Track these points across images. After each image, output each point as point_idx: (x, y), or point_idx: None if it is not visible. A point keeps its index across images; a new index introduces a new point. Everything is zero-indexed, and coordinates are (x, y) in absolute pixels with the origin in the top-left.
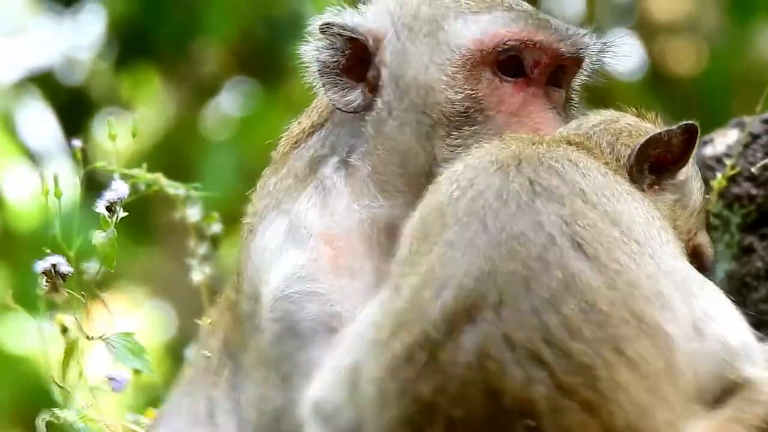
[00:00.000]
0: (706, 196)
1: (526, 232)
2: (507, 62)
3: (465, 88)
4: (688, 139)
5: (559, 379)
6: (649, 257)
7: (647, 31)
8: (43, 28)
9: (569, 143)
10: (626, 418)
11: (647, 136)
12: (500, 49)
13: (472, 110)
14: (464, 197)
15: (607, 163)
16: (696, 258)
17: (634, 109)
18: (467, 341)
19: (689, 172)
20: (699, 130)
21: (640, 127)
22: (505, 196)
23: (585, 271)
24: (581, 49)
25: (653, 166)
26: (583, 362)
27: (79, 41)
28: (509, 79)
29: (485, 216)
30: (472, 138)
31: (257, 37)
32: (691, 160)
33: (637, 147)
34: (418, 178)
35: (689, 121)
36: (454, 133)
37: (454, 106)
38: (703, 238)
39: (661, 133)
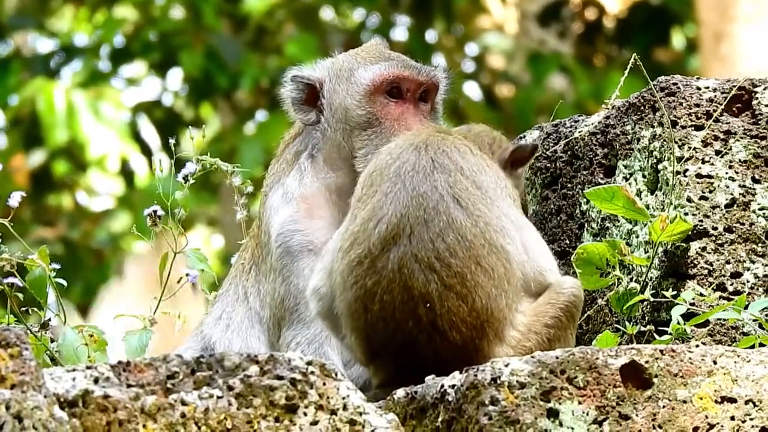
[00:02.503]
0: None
1: (427, 192)
2: (391, 90)
3: (366, 108)
4: (532, 151)
5: (444, 280)
6: (497, 207)
7: (486, 72)
8: (152, 79)
9: (461, 137)
10: (482, 302)
11: (516, 145)
12: (385, 83)
13: (372, 119)
14: (394, 164)
15: (482, 151)
16: (522, 209)
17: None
18: (392, 256)
19: (525, 169)
20: (538, 147)
21: (502, 138)
22: (417, 168)
23: (460, 216)
24: (432, 77)
25: (512, 162)
26: (458, 270)
27: (171, 85)
28: (393, 100)
29: (404, 179)
30: (373, 135)
31: (269, 84)
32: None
33: (510, 149)
34: (347, 160)
35: (535, 143)
36: (363, 133)
37: (361, 118)
38: (524, 200)
39: (522, 145)
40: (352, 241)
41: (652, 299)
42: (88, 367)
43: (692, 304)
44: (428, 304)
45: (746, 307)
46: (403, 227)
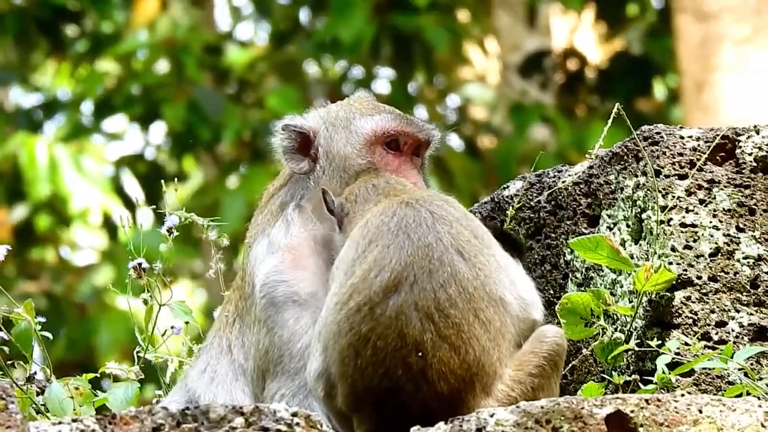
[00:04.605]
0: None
1: (433, 243)
2: (390, 142)
3: (366, 157)
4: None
5: (441, 330)
6: (493, 256)
7: (468, 123)
8: (134, 133)
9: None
10: (475, 355)
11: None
12: (386, 135)
13: (371, 169)
14: (391, 221)
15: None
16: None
17: None
18: (392, 303)
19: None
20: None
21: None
22: (418, 220)
23: (462, 267)
24: (430, 136)
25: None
26: (456, 321)
27: (154, 139)
28: (391, 151)
29: (408, 231)
30: None
31: (252, 137)
32: None
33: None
34: None
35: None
36: None
37: (361, 167)
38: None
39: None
40: (351, 293)
41: (637, 349)
42: (73, 420)
43: (677, 354)
44: (420, 353)
45: (732, 356)
46: (406, 276)
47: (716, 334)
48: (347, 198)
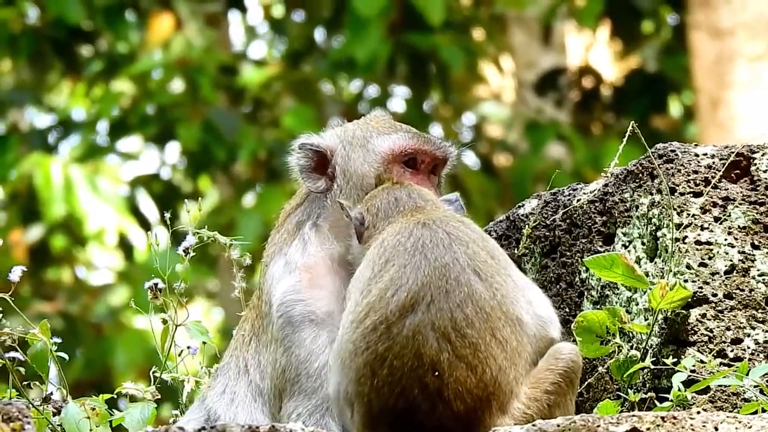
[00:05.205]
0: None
1: (449, 263)
2: (407, 161)
3: (384, 176)
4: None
5: (457, 350)
6: (510, 277)
7: (484, 141)
8: (150, 153)
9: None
10: (492, 374)
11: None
12: (404, 154)
13: (390, 178)
14: (408, 241)
15: None
16: None
17: None
18: (408, 322)
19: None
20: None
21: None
22: (435, 241)
23: (479, 288)
24: (448, 154)
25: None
26: (472, 341)
27: (169, 158)
28: (409, 169)
29: (425, 251)
30: None
31: (267, 156)
32: None
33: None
34: None
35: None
36: None
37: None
38: None
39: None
40: (367, 312)
41: (652, 366)
42: None
43: (693, 371)
44: (437, 373)
45: (747, 374)
46: (423, 295)
47: (732, 351)
48: (368, 209)
